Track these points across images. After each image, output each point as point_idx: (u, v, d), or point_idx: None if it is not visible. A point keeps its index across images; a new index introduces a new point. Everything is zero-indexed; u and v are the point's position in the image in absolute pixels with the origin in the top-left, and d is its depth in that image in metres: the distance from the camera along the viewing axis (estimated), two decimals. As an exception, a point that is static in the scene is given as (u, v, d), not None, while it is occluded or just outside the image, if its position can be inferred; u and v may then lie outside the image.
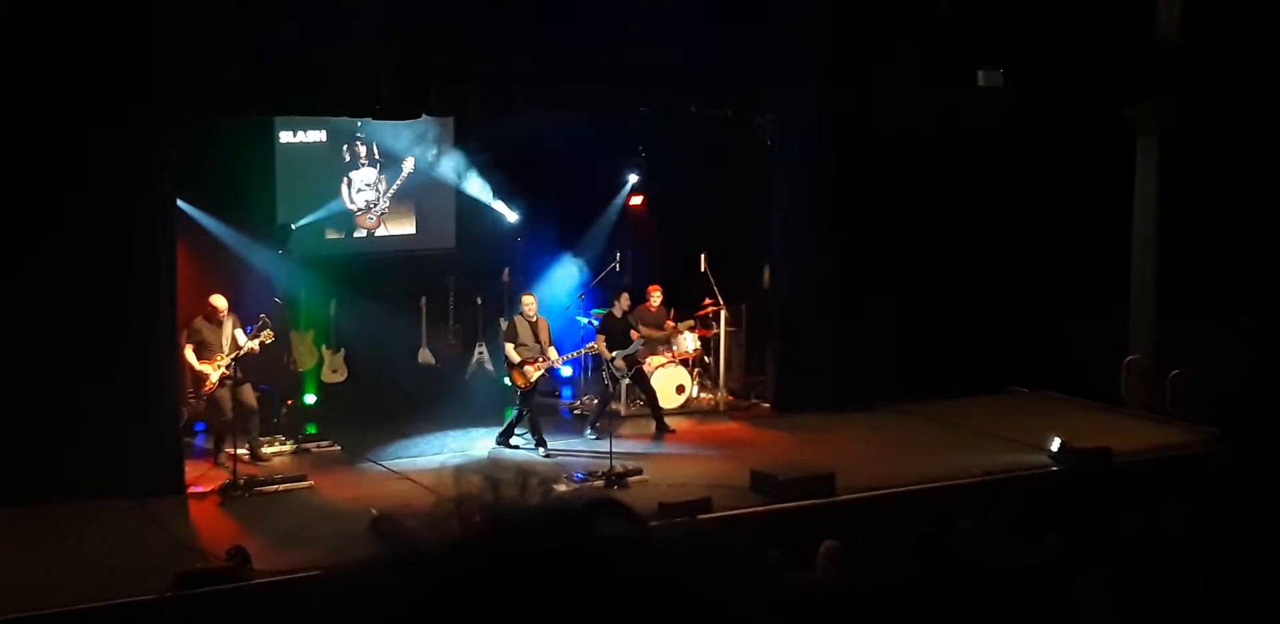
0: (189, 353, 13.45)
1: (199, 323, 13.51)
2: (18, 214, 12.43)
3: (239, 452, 13.30)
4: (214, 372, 13.40)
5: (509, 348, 14.50)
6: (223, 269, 14.72)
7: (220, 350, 13.46)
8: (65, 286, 12.55)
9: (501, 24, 13.68)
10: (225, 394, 13.53)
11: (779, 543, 10.37)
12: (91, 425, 12.64)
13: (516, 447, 14.47)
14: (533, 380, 14.38)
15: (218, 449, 13.54)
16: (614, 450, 13.46)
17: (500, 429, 14.68)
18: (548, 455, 14.15)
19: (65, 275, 12.54)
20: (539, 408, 14.79)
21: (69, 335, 12.61)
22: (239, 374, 13.55)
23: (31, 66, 12.23)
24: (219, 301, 13.58)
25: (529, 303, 14.72)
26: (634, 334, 15.64)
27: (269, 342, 13.88)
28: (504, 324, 16.70)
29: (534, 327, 14.59)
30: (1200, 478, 12.96)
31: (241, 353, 13.46)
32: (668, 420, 15.54)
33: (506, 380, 16.52)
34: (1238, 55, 15.53)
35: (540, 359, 14.45)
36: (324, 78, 13.20)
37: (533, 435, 14.47)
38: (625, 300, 15.55)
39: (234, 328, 13.58)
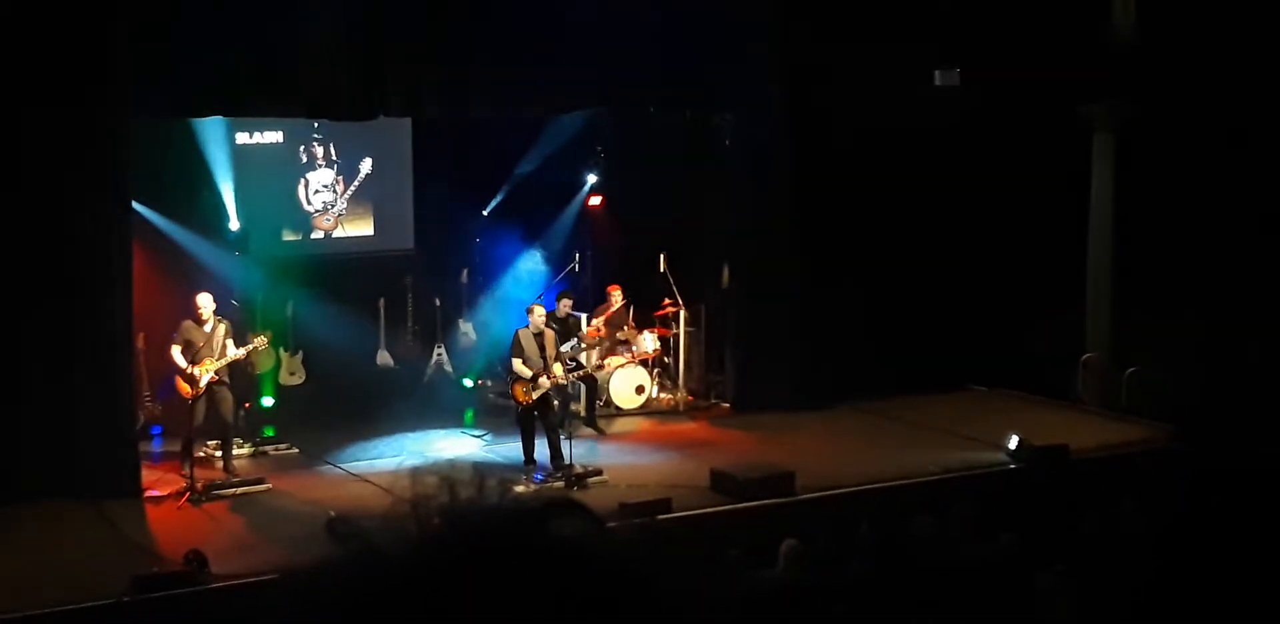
0: (177, 354, 13.04)
1: (186, 324, 13.10)
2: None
3: (201, 455, 13.27)
4: (202, 375, 12.99)
5: (518, 363, 13.62)
6: (179, 271, 14.62)
7: (210, 354, 13.03)
8: (20, 288, 12.45)
9: (458, 24, 13.65)
10: (202, 403, 13.09)
11: (739, 542, 10.40)
12: (47, 428, 12.54)
13: (572, 466, 13.28)
14: (534, 397, 13.51)
15: (185, 456, 13.00)
16: (573, 451, 13.46)
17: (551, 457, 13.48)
18: (533, 476, 13.20)
19: (19, 276, 12.44)
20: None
21: (24, 337, 12.51)
22: (226, 380, 13.24)
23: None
24: (204, 300, 13.12)
25: (539, 314, 13.93)
26: (589, 332, 15.74)
27: (262, 348, 13.79)
28: (465, 326, 16.74)
29: (540, 339, 13.75)
30: (1157, 474, 13.05)
31: (228, 360, 13.16)
32: (625, 420, 15.68)
33: (467, 382, 16.58)
34: (1193, 54, 15.65)
35: (546, 375, 13.65)
36: (280, 78, 13.13)
37: (524, 453, 13.55)
38: (567, 303, 15.56)
39: (225, 336, 13.16)
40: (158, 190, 14.28)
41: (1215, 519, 9.96)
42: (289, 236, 16.09)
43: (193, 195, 15.00)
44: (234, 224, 15.36)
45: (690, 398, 16.43)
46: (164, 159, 14.36)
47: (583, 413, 15.45)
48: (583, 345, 15.68)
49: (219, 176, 15.16)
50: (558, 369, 13.87)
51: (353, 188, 16.24)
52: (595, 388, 15.49)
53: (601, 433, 15.11)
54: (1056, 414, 15.71)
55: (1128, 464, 13.82)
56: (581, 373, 14.65)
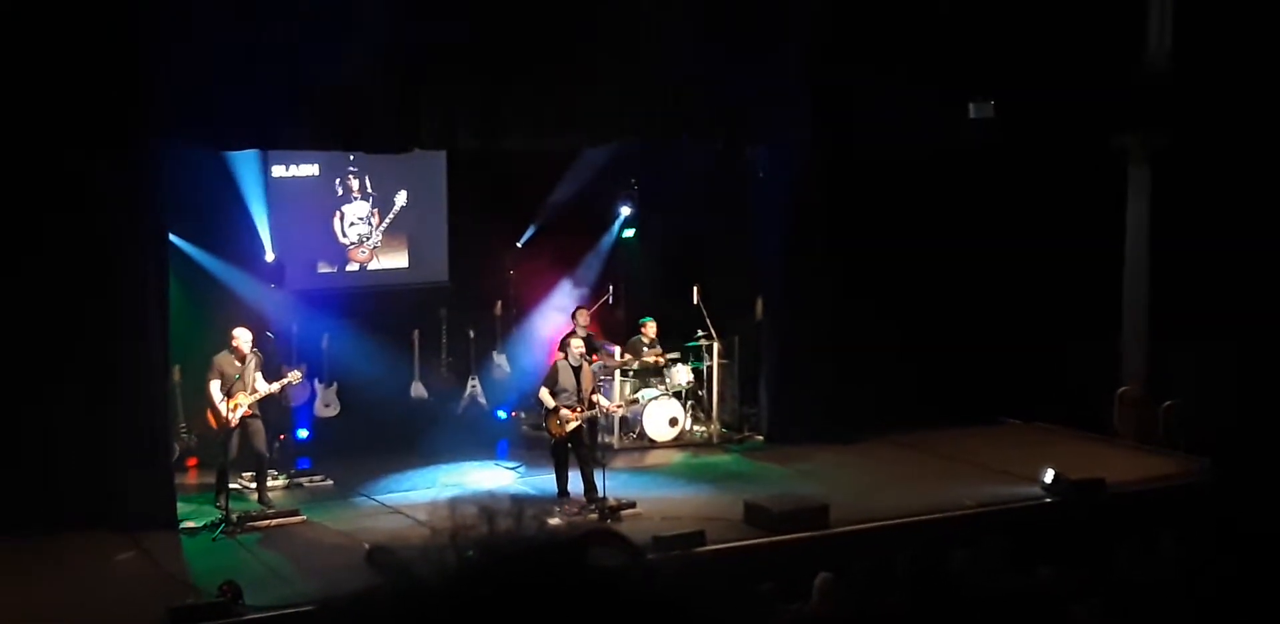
0: (215, 387, 13.05)
1: (221, 357, 13.12)
2: (7, 245, 12.40)
3: (236, 486, 13.29)
4: (235, 409, 12.97)
5: (544, 393, 13.53)
6: (215, 304, 14.69)
7: (243, 388, 13.02)
8: (57, 319, 12.52)
9: (492, 56, 13.71)
10: (236, 436, 13.09)
11: (773, 575, 10.34)
12: (83, 459, 12.60)
13: (605, 498, 13.26)
14: (568, 430, 13.41)
15: (220, 488, 12.98)
16: (607, 483, 13.43)
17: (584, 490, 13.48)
18: (563, 508, 13.15)
19: (57, 307, 12.51)
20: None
21: (60, 368, 12.57)
22: (259, 412, 13.25)
23: (22, 97, 12.22)
24: (242, 335, 13.13)
25: (577, 346, 13.75)
26: (618, 363, 15.81)
27: (295, 383, 13.85)
28: (499, 358, 16.74)
29: (578, 372, 13.60)
30: (1194, 508, 12.94)
31: (261, 396, 13.18)
32: (659, 453, 15.75)
33: (501, 414, 16.59)
34: (1228, 84, 15.60)
35: (579, 407, 13.47)
36: (316, 111, 13.21)
37: (557, 485, 13.57)
38: (585, 316, 15.59)
39: (256, 368, 13.16)
40: (194, 223, 14.38)
41: (1252, 553, 9.86)
42: (324, 269, 16.15)
43: (229, 228, 15.08)
44: (270, 256, 15.44)
45: (724, 430, 16.40)
46: (200, 192, 14.44)
47: (615, 445, 15.46)
48: (601, 367, 15.66)
49: (255, 209, 15.26)
50: (602, 400, 13.95)
51: (388, 220, 16.31)
52: (608, 426, 15.39)
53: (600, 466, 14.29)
54: (1093, 447, 15.61)
55: (1164, 498, 13.72)
56: (597, 413, 13.98)
